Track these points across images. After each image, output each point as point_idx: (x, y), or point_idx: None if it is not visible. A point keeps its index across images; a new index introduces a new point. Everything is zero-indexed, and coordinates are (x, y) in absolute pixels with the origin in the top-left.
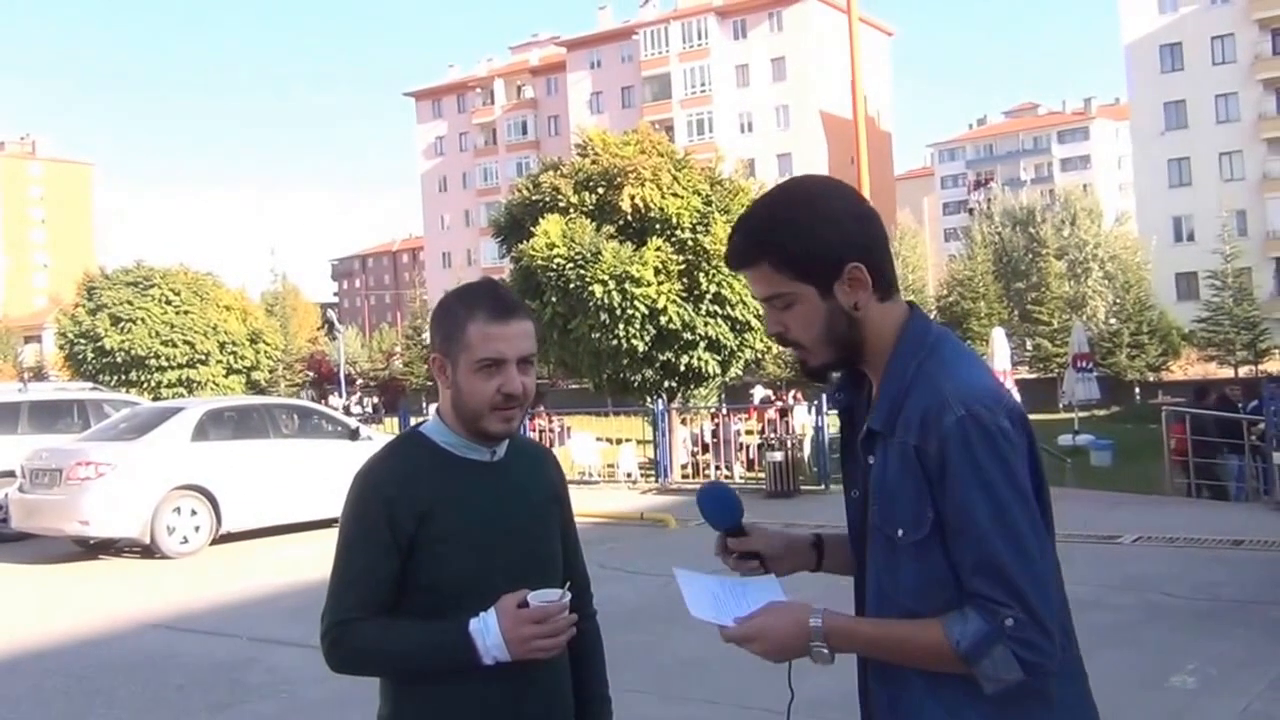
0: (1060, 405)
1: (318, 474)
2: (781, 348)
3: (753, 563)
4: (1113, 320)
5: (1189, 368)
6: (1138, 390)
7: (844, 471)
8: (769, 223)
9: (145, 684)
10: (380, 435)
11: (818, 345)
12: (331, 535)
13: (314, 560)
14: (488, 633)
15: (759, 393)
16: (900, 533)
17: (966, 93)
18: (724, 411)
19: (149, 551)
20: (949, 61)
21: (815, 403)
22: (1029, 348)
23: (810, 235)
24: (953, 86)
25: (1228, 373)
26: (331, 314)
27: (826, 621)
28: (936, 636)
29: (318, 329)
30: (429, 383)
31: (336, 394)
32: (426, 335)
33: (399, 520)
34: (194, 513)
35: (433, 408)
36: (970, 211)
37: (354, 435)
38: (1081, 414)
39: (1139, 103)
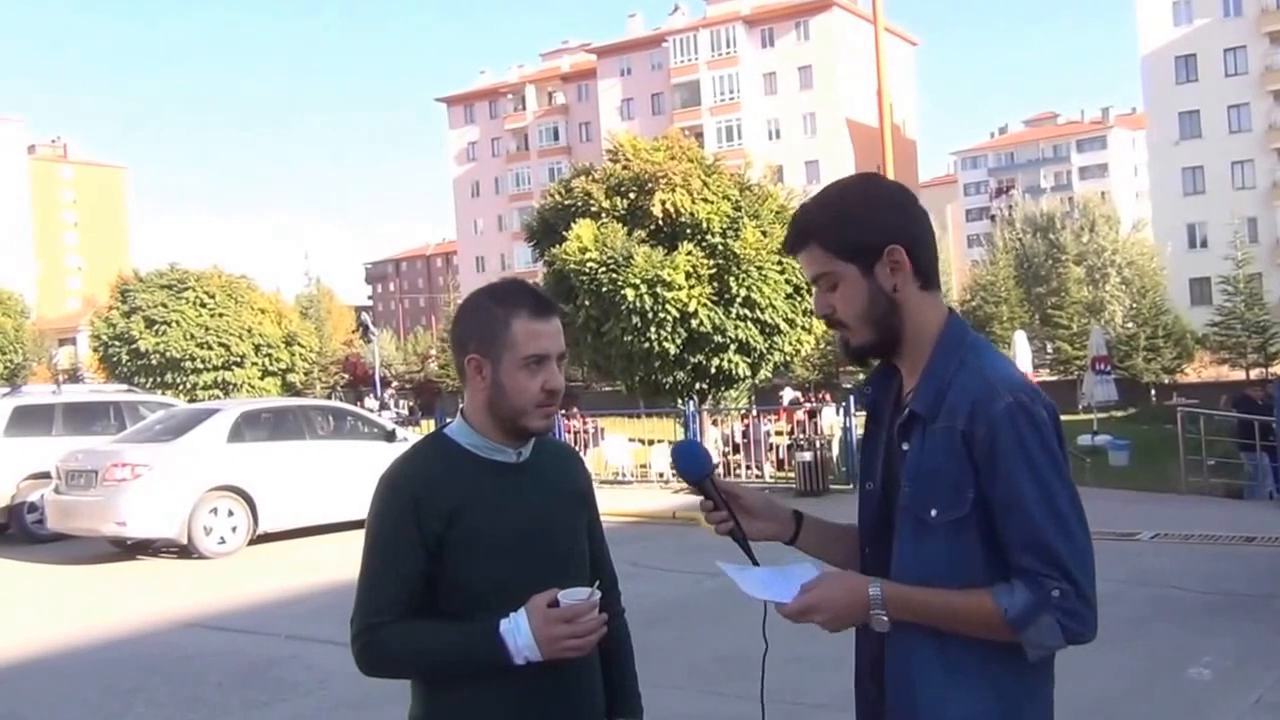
0: (1079, 406)
1: (354, 475)
2: (811, 350)
3: (723, 513)
4: (1130, 324)
5: (1202, 370)
6: (1153, 392)
7: (862, 465)
8: (817, 209)
9: (184, 682)
10: (416, 437)
11: (859, 324)
12: None
13: (351, 560)
14: (519, 633)
15: (788, 394)
16: (934, 513)
17: (988, 102)
18: (754, 413)
19: (185, 552)
20: (971, 71)
21: (844, 404)
22: (1049, 351)
23: (852, 217)
24: (975, 96)
25: (1239, 375)
26: (366, 317)
27: (885, 588)
28: (986, 605)
29: (352, 332)
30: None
31: (372, 396)
32: None
33: (427, 521)
34: (231, 513)
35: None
36: (992, 218)
37: (390, 437)
38: (1100, 415)
39: (1155, 113)
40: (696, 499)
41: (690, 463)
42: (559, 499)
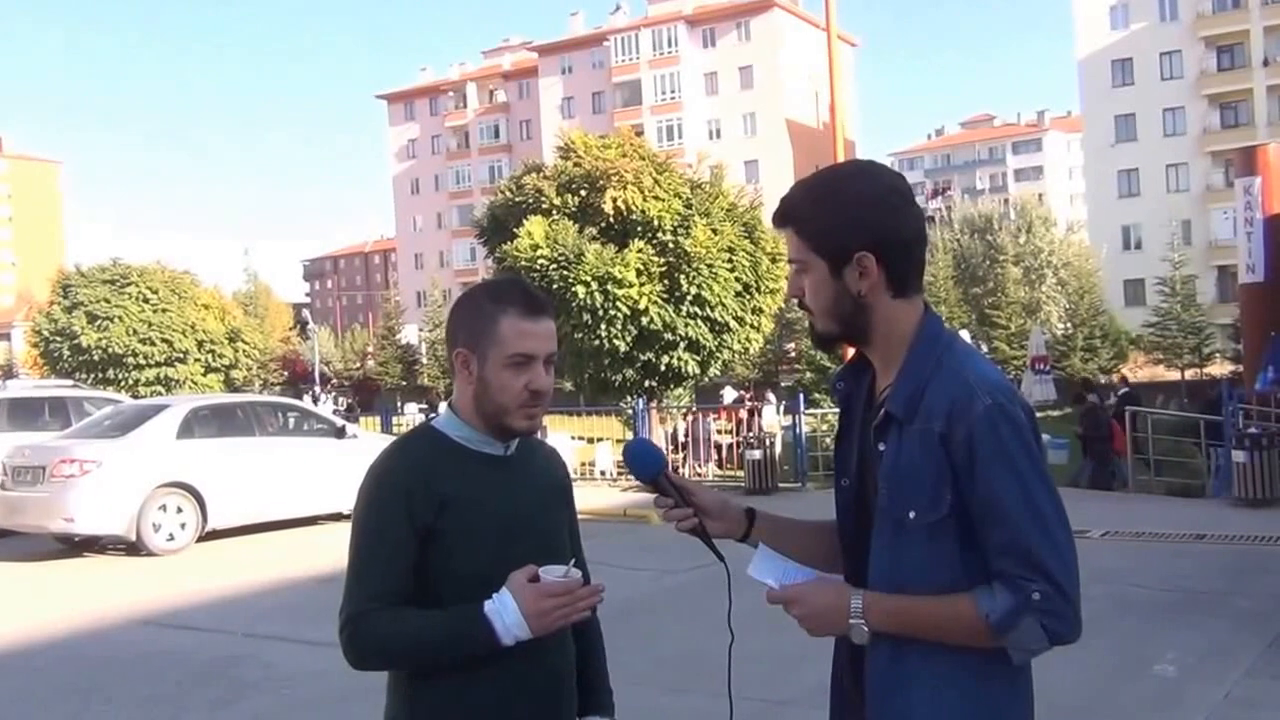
0: None
1: (304, 471)
2: (763, 346)
3: (685, 510)
4: (1068, 324)
5: (1138, 371)
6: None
7: (836, 460)
8: (802, 194)
9: (141, 682)
10: (365, 433)
11: (823, 316)
12: (318, 532)
13: (302, 557)
14: (505, 611)
15: (729, 394)
16: (912, 514)
17: (925, 104)
18: (695, 410)
19: (134, 549)
20: (908, 73)
21: (785, 402)
22: (988, 350)
23: (828, 217)
24: (912, 98)
25: (1175, 375)
26: (305, 314)
27: (866, 599)
28: (968, 610)
29: (290, 329)
30: (403, 382)
31: (312, 394)
32: (401, 336)
33: (417, 511)
34: (180, 510)
35: (410, 406)
36: (930, 219)
37: (340, 433)
38: (1038, 414)
39: (1091, 116)
40: (647, 496)
41: (643, 460)
42: (544, 492)
